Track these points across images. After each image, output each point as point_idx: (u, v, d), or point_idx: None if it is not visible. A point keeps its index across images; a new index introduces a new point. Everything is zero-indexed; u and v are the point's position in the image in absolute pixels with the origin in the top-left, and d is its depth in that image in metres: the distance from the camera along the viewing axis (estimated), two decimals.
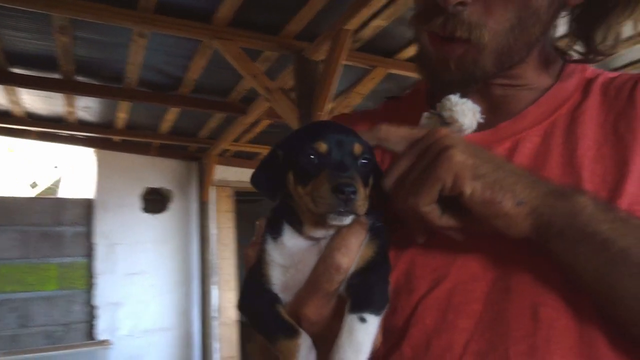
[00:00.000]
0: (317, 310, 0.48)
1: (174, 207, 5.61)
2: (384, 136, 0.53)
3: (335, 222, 0.47)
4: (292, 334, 0.48)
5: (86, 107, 4.27)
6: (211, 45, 3.03)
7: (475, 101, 0.58)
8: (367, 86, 3.38)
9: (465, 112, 0.56)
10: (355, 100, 3.45)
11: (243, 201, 7.74)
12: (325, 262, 0.48)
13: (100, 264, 5.05)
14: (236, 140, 5.08)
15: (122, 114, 4.34)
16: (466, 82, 0.58)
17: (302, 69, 3.07)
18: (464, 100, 0.57)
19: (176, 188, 5.65)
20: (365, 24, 2.86)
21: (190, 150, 5.63)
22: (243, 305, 0.54)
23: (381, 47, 3.28)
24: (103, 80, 3.68)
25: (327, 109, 2.96)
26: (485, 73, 0.58)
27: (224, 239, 5.88)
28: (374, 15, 2.76)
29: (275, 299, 0.50)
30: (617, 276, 0.43)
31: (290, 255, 0.51)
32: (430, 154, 0.48)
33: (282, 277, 0.51)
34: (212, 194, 5.74)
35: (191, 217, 5.68)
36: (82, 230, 5.04)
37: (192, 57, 3.29)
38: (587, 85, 0.61)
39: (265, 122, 4.64)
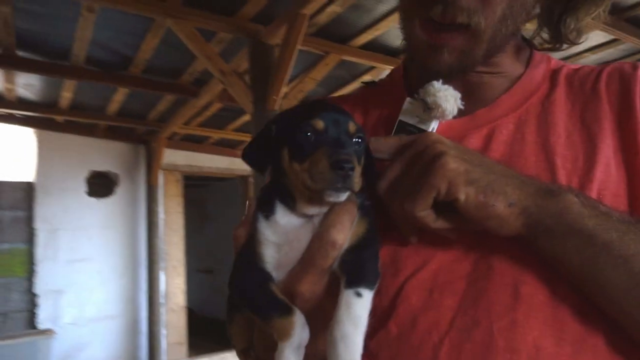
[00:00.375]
0: (311, 286, 0.49)
1: (120, 191, 5.45)
2: (374, 147, 0.55)
3: (332, 199, 0.48)
4: (287, 312, 0.48)
5: (28, 85, 4.06)
6: (164, 24, 2.96)
7: (454, 88, 0.61)
8: (321, 72, 3.42)
9: (448, 98, 0.59)
10: (309, 85, 3.49)
11: (191, 186, 7.62)
12: (320, 238, 0.48)
13: (41, 250, 4.85)
14: (186, 123, 5.00)
15: (67, 93, 4.15)
16: (455, 70, 0.60)
17: (257, 53, 3.07)
18: (446, 86, 0.59)
19: (123, 171, 5.49)
20: (320, 10, 2.89)
21: (138, 132, 5.47)
22: (235, 284, 0.53)
23: (335, 34, 3.32)
24: (47, 56, 3.51)
25: (282, 94, 2.98)
26: (474, 62, 0.60)
27: (172, 224, 5.79)
28: (330, 1, 2.79)
29: (268, 277, 0.50)
30: (601, 267, 0.47)
31: (284, 232, 0.51)
32: (423, 160, 0.50)
33: (275, 255, 0.51)
34: (160, 178, 5.62)
35: (138, 201, 5.54)
36: (22, 215, 4.81)
37: (144, 35, 3.20)
38: (553, 75, 0.65)
39: (216, 106, 4.58)
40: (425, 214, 0.50)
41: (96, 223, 5.22)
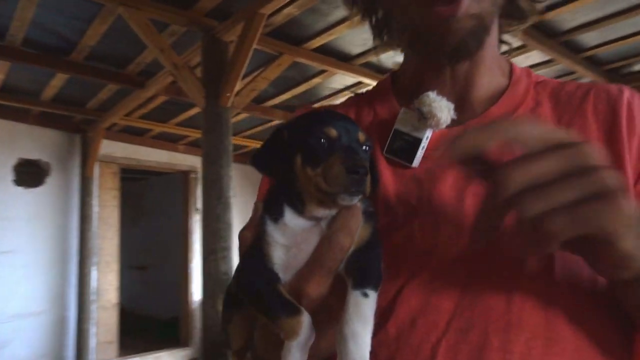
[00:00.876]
0: (317, 287, 0.50)
1: (51, 181, 5.15)
2: (521, 131, 0.44)
3: (345, 202, 0.50)
4: (295, 312, 0.49)
5: None
6: (115, 11, 2.86)
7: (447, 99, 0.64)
8: (274, 72, 3.44)
9: (442, 108, 0.61)
10: (261, 84, 3.50)
11: (127, 179, 7.35)
12: (329, 242, 0.50)
13: None
14: (128, 114, 4.82)
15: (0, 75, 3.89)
16: (472, 41, 0.61)
17: (211, 48, 3.04)
18: (441, 97, 0.62)
19: (55, 161, 5.19)
20: (278, 10, 2.92)
21: (75, 121, 5.21)
22: (243, 284, 0.54)
23: (290, 35, 3.36)
24: None
25: (235, 91, 2.98)
26: (486, 26, 0.62)
27: (107, 217, 5.55)
28: (289, 3, 2.82)
29: (276, 278, 0.51)
30: None
31: (292, 235, 0.52)
32: (590, 186, 0.41)
33: (284, 256, 0.52)
34: (96, 169, 5.38)
35: (71, 193, 5.27)
36: None
37: (91, 21, 3.07)
38: (536, 88, 0.68)
39: (161, 98, 4.47)
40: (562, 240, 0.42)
41: (23, 214, 4.91)
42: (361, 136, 0.53)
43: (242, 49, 2.82)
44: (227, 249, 2.84)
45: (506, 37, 0.76)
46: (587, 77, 3.99)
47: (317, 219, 0.52)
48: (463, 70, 0.67)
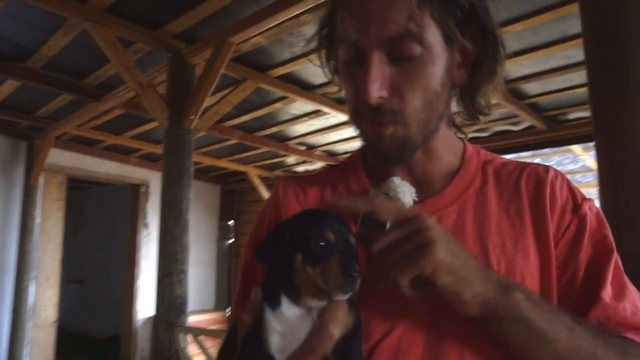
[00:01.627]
0: None
1: None
2: (378, 205, 0.64)
3: (339, 298, 0.57)
4: None
5: None
6: (80, 25, 2.83)
7: (404, 179, 0.74)
8: (238, 97, 3.48)
9: (406, 193, 0.70)
10: (225, 108, 3.52)
11: (70, 187, 7.08)
12: (320, 331, 0.57)
13: None
14: (80, 125, 4.69)
15: None
16: (402, 152, 0.71)
17: (178, 70, 3.05)
18: (404, 183, 0.71)
19: None
20: (246, 39, 2.98)
21: (21, 127, 4.99)
22: None
23: (255, 61, 3.42)
24: None
25: (198, 114, 3.00)
26: (415, 143, 0.71)
27: (50, 230, 5.32)
28: (258, 33, 2.89)
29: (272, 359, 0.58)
30: (534, 348, 0.62)
31: (288, 323, 0.58)
32: (418, 241, 0.59)
33: (280, 341, 0.57)
34: (41, 179, 5.16)
35: (12, 202, 5.01)
36: None
37: (53, 32, 3.01)
38: (484, 168, 0.79)
39: (117, 111, 4.39)
40: (405, 283, 0.59)
41: None
42: (352, 239, 0.60)
43: (209, 74, 2.86)
44: (183, 272, 2.83)
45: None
46: (528, 120, 4.31)
47: (310, 309, 0.59)
48: (417, 159, 0.76)
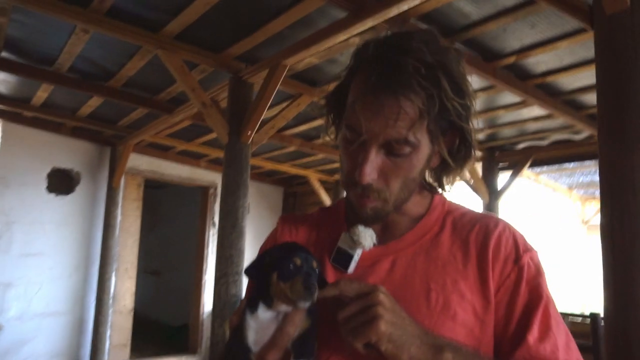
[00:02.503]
0: (273, 357, 0.77)
1: (80, 189, 5.51)
2: (343, 289, 0.78)
3: (302, 306, 0.77)
4: None
5: (3, 81, 4.13)
6: (153, 51, 3.19)
7: (375, 227, 0.91)
8: (293, 112, 3.72)
9: (366, 237, 0.89)
10: (280, 122, 3.78)
11: (146, 186, 7.71)
12: (281, 329, 0.77)
13: None
14: (155, 134, 5.16)
15: (43, 93, 4.25)
16: (376, 218, 0.90)
17: (237, 89, 3.34)
18: (367, 229, 0.90)
19: (85, 171, 5.55)
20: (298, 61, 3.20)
21: (106, 135, 5.57)
22: (229, 352, 0.83)
23: (308, 78, 3.65)
24: (31, 60, 3.63)
25: (255, 129, 3.26)
26: (387, 213, 0.90)
27: (129, 227, 5.89)
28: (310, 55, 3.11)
29: (248, 350, 0.79)
30: None
31: (261, 323, 0.78)
32: (369, 315, 0.73)
33: (254, 336, 0.79)
34: (122, 181, 5.73)
35: (98, 201, 5.62)
36: None
37: (132, 56, 3.41)
38: (445, 217, 0.94)
39: (187, 122, 4.79)
40: (359, 346, 0.75)
41: (53, 219, 5.26)
42: (314, 264, 0.81)
43: (265, 94, 3.11)
44: (238, 273, 3.12)
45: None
46: (586, 130, 4.21)
47: (278, 312, 0.79)
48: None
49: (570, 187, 6.84)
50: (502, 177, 5.42)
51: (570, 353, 0.81)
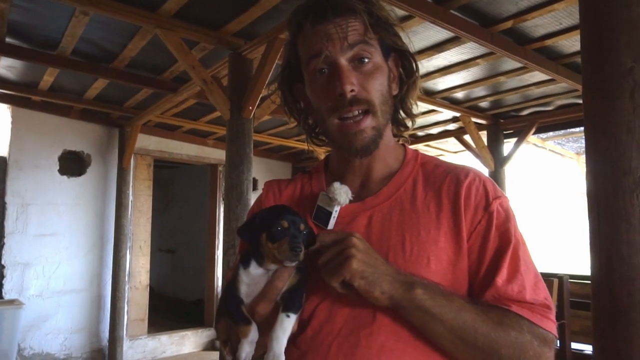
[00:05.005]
0: (263, 309, 0.83)
1: (91, 171, 5.64)
2: (322, 239, 0.86)
3: (288, 265, 0.84)
4: (248, 322, 0.82)
5: (9, 67, 4.21)
6: (153, 31, 3.23)
7: (353, 183, 0.98)
8: None
9: (342, 194, 0.94)
10: (279, 99, 3.81)
11: (158, 167, 7.83)
12: (271, 284, 0.84)
13: (10, 224, 5.02)
14: (162, 113, 5.23)
15: (49, 77, 4.33)
16: (373, 144, 0.93)
17: (237, 65, 3.38)
18: (342, 186, 0.95)
19: (95, 153, 5.67)
20: None
21: (114, 117, 5.66)
22: (223, 302, 0.89)
23: None
24: (35, 45, 3.70)
25: (256, 104, 3.31)
26: (381, 133, 0.94)
27: (141, 206, 6.03)
28: None
29: (241, 301, 0.85)
30: (432, 326, 0.80)
31: (252, 278, 0.85)
32: (343, 256, 0.81)
33: (246, 289, 0.86)
34: (132, 161, 5.84)
35: (109, 182, 5.75)
36: None
37: (132, 37, 3.45)
38: (418, 170, 0.99)
39: (192, 100, 4.85)
40: (336, 285, 0.83)
41: (66, 200, 5.41)
42: (302, 226, 0.86)
43: (264, 68, 3.15)
44: None
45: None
46: None
47: (268, 270, 0.86)
48: (365, 162, 0.99)
49: (578, 153, 6.80)
50: (508, 145, 5.42)
51: (538, 292, 0.87)
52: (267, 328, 0.82)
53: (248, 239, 0.88)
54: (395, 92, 1.00)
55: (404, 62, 1.00)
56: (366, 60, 0.91)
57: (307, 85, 0.98)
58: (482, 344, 0.81)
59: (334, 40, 0.90)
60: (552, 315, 0.87)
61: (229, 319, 0.88)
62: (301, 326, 0.87)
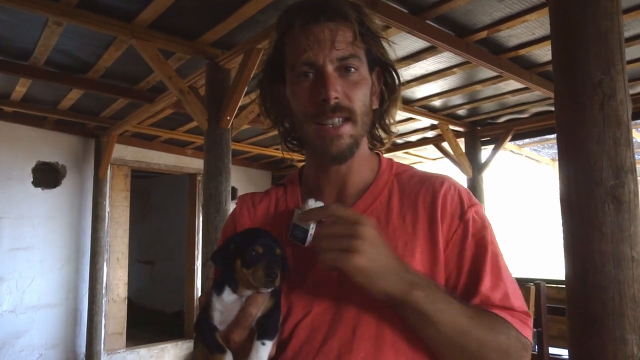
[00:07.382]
0: (238, 336, 0.81)
1: (67, 182, 5.52)
2: (332, 212, 0.83)
3: (263, 291, 0.82)
4: (223, 351, 0.80)
5: None
6: (128, 41, 3.19)
7: (328, 198, 0.96)
8: None
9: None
10: (257, 109, 3.80)
11: (136, 177, 7.72)
12: (244, 311, 0.82)
13: None
14: (139, 123, 5.16)
15: (22, 88, 4.24)
16: (350, 150, 0.92)
17: (214, 74, 3.36)
18: (318, 202, 0.91)
19: (71, 164, 5.56)
20: None
21: (89, 127, 5.56)
22: (198, 330, 0.86)
23: None
24: (6, 55, 3.62)
25: (234, 114, 3.29)
26: (358, 143, 0.93)
27: (118, 217, 5.92)
28: None
29: (215, 329, 0.83)
30: (426, 329, 0.80)
31: (226, 305, 0.83)
32: (347, 244, 0.76)
33: (220, 316, 0.83)
34: (108, 172, 5.74)
35: (85, 193, 5.64)
36: None
37: (107, 47, 3.41)
38: (394, 181, 0.98)
39: (169, 110, 4.80)
40: (336, 273, 0.81)
41: (41, 213, 5.29)
42: (277, 250, 0.84)
43: (241, 79, 3.14)
44: None
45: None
46: None
47: (242, 296, 0.84)
48: (341, 172, 0.97)
49: (553, 159, 6.94)
50: (485, 152, 5.50)
51: (517, 299, 0.88)
52: (243, 355, 0.80)
53: (221, 265, 0.86)
54: (375, 107, 0.99)
55: (387, 78, 1.00)
56: (352, 70, 0.91)
57: (289, 86, 0.95)
58: (472, 349, 0.81)
59: (322, 45, 0.88)
60: (531, 322, 0.89)
61: (203, 346, 0.85)
62: (281, 346, 0.86)
